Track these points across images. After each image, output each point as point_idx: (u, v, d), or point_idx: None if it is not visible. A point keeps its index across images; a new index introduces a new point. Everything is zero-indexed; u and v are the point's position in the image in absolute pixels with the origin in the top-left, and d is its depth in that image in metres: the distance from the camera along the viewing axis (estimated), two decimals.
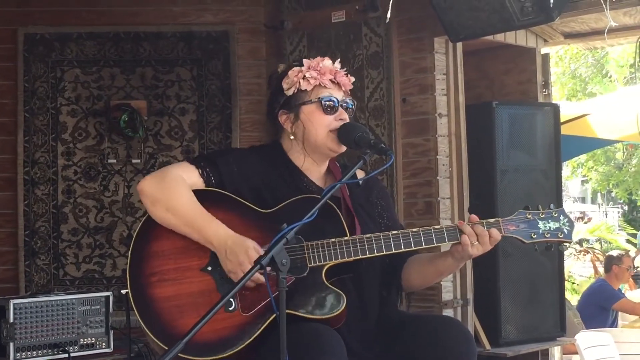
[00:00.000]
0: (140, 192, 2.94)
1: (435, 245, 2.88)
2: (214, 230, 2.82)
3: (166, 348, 2.68)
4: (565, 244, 2.96)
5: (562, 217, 2.91)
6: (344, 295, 2.80)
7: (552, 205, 2.94)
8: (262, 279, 2.70)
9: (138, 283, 2.85)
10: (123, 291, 2.94)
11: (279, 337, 2.38)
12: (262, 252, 2.72)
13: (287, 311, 2.63)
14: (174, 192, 2.87)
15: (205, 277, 2.84)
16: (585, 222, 17.95)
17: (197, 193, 2.91)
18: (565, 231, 2.91)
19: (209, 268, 2.84)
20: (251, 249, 2.75)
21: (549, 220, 2.90)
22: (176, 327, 2.76)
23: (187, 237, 2.87)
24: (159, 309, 2.80)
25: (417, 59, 4.89)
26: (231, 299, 2.76)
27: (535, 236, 2.89)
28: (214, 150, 5.32)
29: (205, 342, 2.70)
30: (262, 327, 2.75)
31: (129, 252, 2.89)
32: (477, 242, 2.84)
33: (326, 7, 5.22)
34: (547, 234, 2.89)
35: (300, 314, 2.76)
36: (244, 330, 2.75)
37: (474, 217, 2.89)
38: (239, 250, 2.75)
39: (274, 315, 2.63)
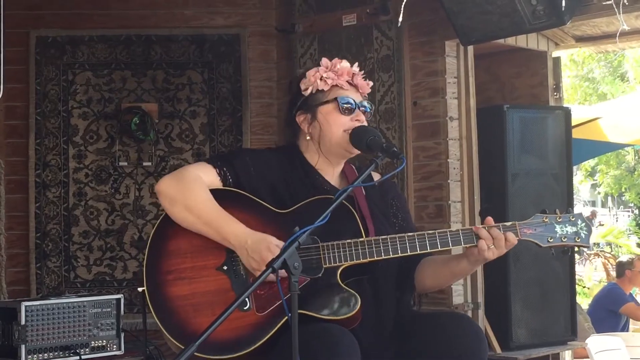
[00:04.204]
0: (158, 192, 2.95)
1: (451, 247, 2.88)
2: (232, 230, 2.83)
3: (181, 346, 2.70)
4: (583, 248, 2.94)
5: (579, 222, 2.90)
6: (358, 297, 2.80)
7: (570, 209, 2.93)
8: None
9: (154, 281, 2.87)
10: (140, 289, 2.95)
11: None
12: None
13: (301, 312, 2.64)
14: (193, 192, 2.88)
15: (220, 277, 2.85)
16: (597, 227, 17.88)
17: (215, 192, 2.92)
18: (583, 235, 2.90)
19: (225, 267, 2.86)
20: (273, 245, 2.75)
21: (566, 225, 2.89)
22: (191, 326, 2.78)
23: (203, 236, 2.88)
24: (175, 307, 2.82)
25: (428, 62, 4.88)
26: (246, 299, 2.77)
27: (552, 240, 2.88)
28: (230, 151, 5.34)
29: (219, 341, 2.70)
30: (276, 327, 2.75)
31: (146, 250, 2.91)
32: (492, 246, 2.84)
33: (337, 10, 5.22)
34: (564, 238, 2.88)
35: (314, 315, 2.77)
36: (258, 330, 2.76)
37: (490, 219, 2.89)
38: (262, 248, 2.75)
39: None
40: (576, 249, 2.95)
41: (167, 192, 2.92)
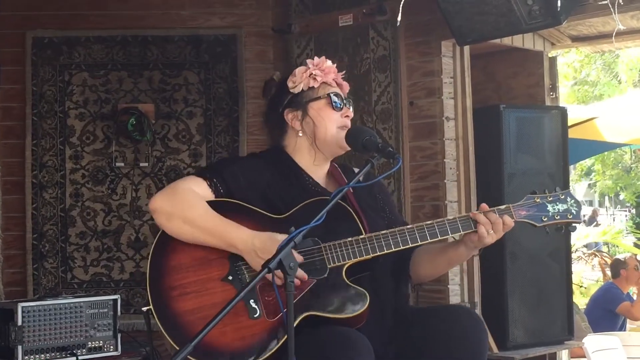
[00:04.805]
0: (153, 211, 2.92)
1: (450, 236, 2.90)
2: (236, 234, 2.82)
3: None
4: (575, 224, 2.99)
5: (569, 199, 2.96)
6: (366, 293, 2.81)
7: (557, 188, 2.99)
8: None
9: (160, 299, 2.84)
10: (144, 308, 2.92)
11: (308, 340, 2.39)
12: None
13: (311, 313, 2.70)
14: (188, 204, 2.87)
15: (226, 287, 2.83)
16: (595, 226, 17.88)
17: (209, 204, 2.91)
18: (574, 212, 2.96)
19: (230, 277, 2.84)
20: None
21: (557, 203, 2.95)
22: (203, 339, 2.75)
23: (204, 249, 2.86)
24: (185, 322, 2.79)
25: (425, 63, 4.89)
26: (255, 306, 2.77)
27: (545, 219, 2.94)
28: (218, 161, 5.31)
29: (234, 351, 2.72)
30: None
31: (147, 269, 2.88)
32: (492, 231, 2.87)
33: (333, 10, 5.23)
34: (556, 216, 2.94)
35: (323, 315, 2.77)
36: (270, 336, 2.75)
37: (485, 205, 2.92)
38: (271, 245, 2.67)
39: (303, 315, 2.69)
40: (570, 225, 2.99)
41: (162, 209, 2.90)
